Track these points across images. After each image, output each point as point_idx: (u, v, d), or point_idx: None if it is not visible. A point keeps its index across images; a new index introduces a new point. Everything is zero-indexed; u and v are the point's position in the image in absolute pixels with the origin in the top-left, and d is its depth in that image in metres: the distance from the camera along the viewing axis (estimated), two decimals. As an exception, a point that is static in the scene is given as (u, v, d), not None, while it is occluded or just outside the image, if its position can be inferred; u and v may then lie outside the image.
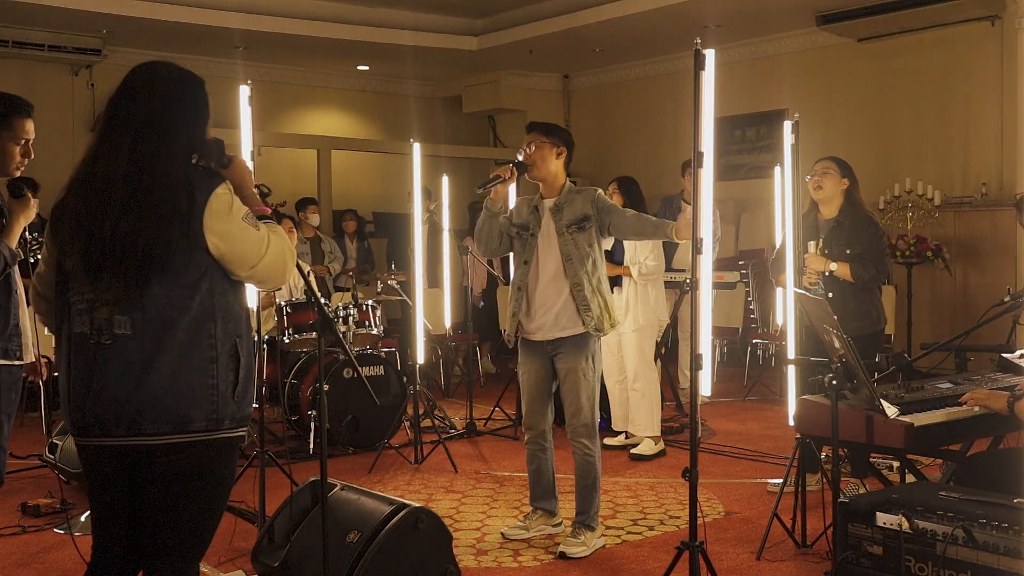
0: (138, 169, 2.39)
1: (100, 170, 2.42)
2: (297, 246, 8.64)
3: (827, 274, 4.95)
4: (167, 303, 2.36)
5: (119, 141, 2.42)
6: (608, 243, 6.16)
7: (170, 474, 2.43)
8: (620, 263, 6.13)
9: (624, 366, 6.21)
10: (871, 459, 4.39)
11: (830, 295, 4.89)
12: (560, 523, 4.55)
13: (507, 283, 8.21)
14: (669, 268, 7.30)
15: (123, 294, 2.36)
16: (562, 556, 4.21)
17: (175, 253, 2.36)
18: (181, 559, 2.50)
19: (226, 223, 2.41)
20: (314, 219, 8.91)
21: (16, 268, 3.38)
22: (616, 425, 6.36)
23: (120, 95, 2.48)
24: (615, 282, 6.16)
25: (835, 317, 3.71)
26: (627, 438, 6.28)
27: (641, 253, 6.05)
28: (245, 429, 2.52)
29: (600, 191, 4.39)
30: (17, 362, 3.41)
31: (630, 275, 6.10)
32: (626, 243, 6.08)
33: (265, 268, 2.48)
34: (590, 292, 4.25)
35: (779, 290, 5.55)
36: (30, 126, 3.37)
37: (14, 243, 3.36)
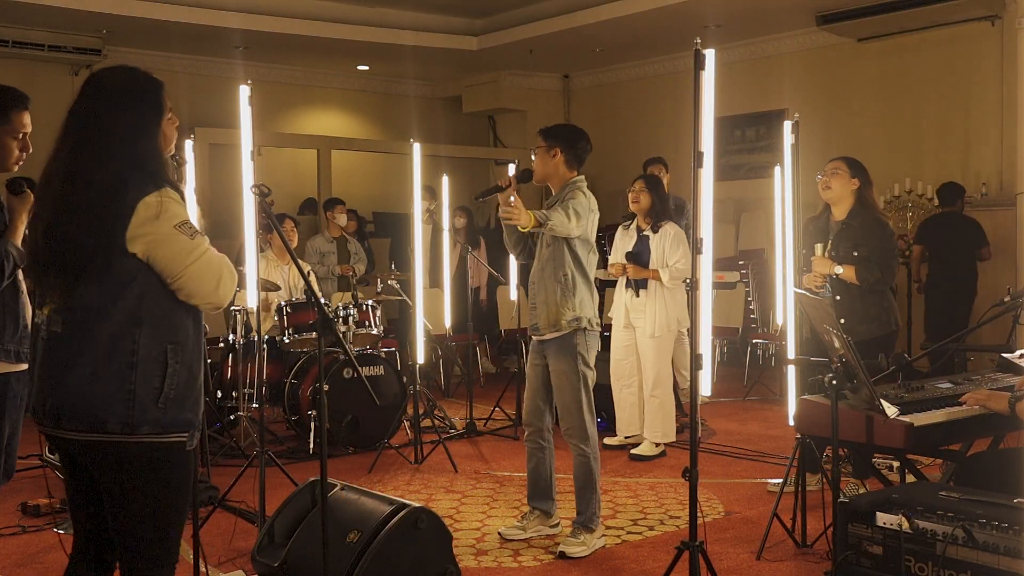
0: (72, 173, 2.43)
1: (46, 174, 2.49)
2: (324, 245, 8.66)
3: (833, 277, 4.91)
4: (91, 306, 2.41)
5: (63, 145, 2.47)
6: (629, 244, 6.15)
7: (100, 472, 2.47)
8: (646, 265, 6.05)
9: (636, 370, 6.15)
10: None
11: (837, 298, 4.85)
12: (557, 524, 4.55)
13: (506, 283, 8.22)
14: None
15: (53, 295, 2.44)
16: (561, 556, 4.22)
17: (97, 257, 2.39)
18: (132, 559, 2.51)
19: (150, 229, 2.40)
20: (341, 219, 8.89)
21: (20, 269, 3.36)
22: (619, 429, 6.29)
23: (75, 100, 2.52)
24: (640, 285, 6.10)
25: (835, 317, 3.71)
26: (627, 437, 6.27)
27: (672, 256, 5.94)
28: (182, 435, 2.48)
29: (577, 189, 4.34)
30: (25, 366, 3.38)
31: (658, 278, 5.99)
32: (653, 245, 6.01)
33: (190, 278, 2.44)
34: (540, 289, 4.32)
35: (779, 290, 5.53)
36: (27, 119, 3.34)
37: (19, 241, 3.34)
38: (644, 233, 6.10)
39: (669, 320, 6.03)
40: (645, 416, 6.13)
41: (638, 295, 6.07)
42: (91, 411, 2.39)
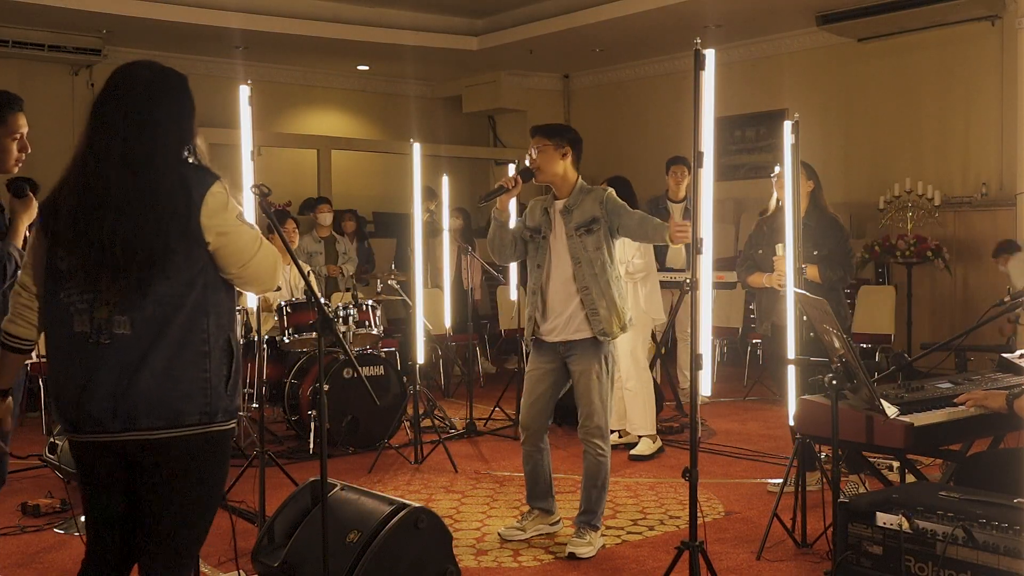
0: (131, 170, 2.40)
1: (92, 173, 2.42)
2: (311, 245, 8.63)
3: None
4: (165, 301, 2.39)
5: (109, 143, 2.43)
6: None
7: (166, 469, 2.45)
8: None
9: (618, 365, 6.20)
10: (871, 459, 4.40)
11: None
12: (558, 522, 4.54)
13: (506, 283, 8.22)
14: (664, 268, 7.31)
15: (123, 295, 2.38)
16: (571, 557, 4.21)
17: (179, 250, 2.39)
18: (177, 555, 2.51)
19: (221, 219, 2.45)
20: (324, 218, 8.87)
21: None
22: (611, 423, 6.35)
23: (104, 97, 2.49)
24: None
25: (835, 317, 3.71)
26: (620, 436, 6.29)
27: (628, 252, 6.00)
28: (235, 421, 2.57)
29: (611, 191, 4.37)
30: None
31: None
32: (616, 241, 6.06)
33: (256, 266, 2.52)
34: (597, 295, 4.24)
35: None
36: (23, 120, 3.35)
37: (19, 243, 3.35)
38: None
39: (638, 315, 6.05)
40: (624, 409, 6.17)
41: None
42: (170, 404, 2.39)
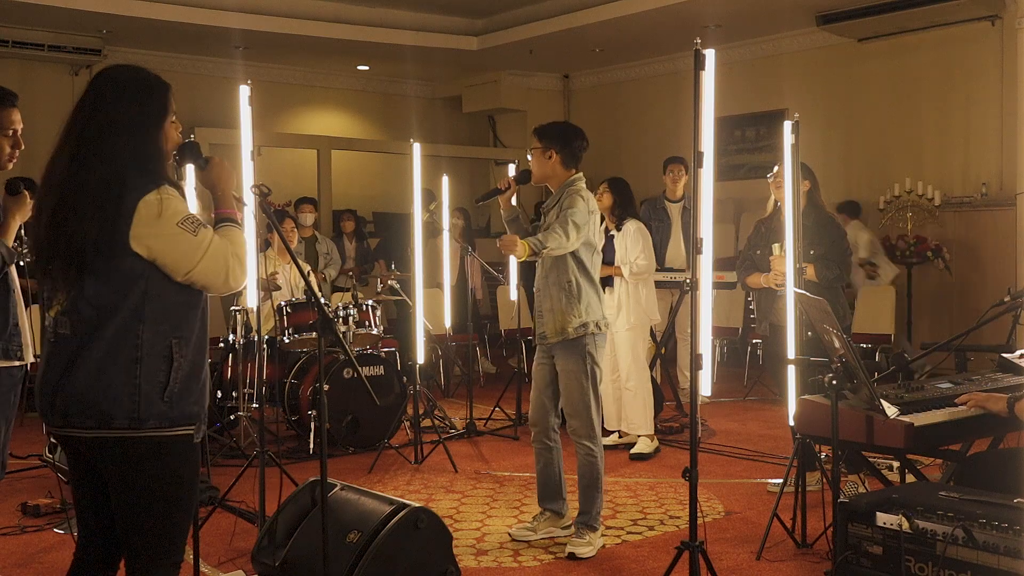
0: (75, 168, 2.45)
1: (49, 170, 2.51)
2: (294, 247, 8.60)
3: None
4: (99, 305, 2.43)
5: (67, 141, 2.49)
6: (599, 243, 6.17)
7: (111, 468, 2.49)
8: (611, 263, 6.10)
9: (617, 365, 6.21)
10: (871, 459, 4.40)
11: None
12: (570, 525, 4.53)
13: (506, 283, 8.22)
14: (664, 268, 7.31)
15: (59, 291, 2.46)
16: (571, 557, 4.22)
17: (100, 252, 2.40)
18: (138, 555, 2.53)
19: (154, 229, 2.42)
20: (306, 219, 8.84)
21: (13, 267, 3.36)
22: (609, 424, 6.34)
23: (82, 96, 2.55)
24: (606, 282, 6.14)
25: (835, 317, 3.71)
26: (620, 437, 6.29)
27: (632, 253, 6.06)
28: (188, 428, 2.51)
29: (576, 194, 4.31)
30: (17, 363, 3.40)
31: (621, 275, 6.09)
32: (616, 243, 6.08)
33: (201, 274, 2.48)
34: (544, 296, 4.34)
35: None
36: (16, 116, 3.34)
37: (11, 241, 3.34)
38: (610, 233, 6.17)
39: (639, 314, 6.12)
40: (623, 408, 6.17)
41: (604, 291, 6.15)
42: (97, 407, 2.41)
